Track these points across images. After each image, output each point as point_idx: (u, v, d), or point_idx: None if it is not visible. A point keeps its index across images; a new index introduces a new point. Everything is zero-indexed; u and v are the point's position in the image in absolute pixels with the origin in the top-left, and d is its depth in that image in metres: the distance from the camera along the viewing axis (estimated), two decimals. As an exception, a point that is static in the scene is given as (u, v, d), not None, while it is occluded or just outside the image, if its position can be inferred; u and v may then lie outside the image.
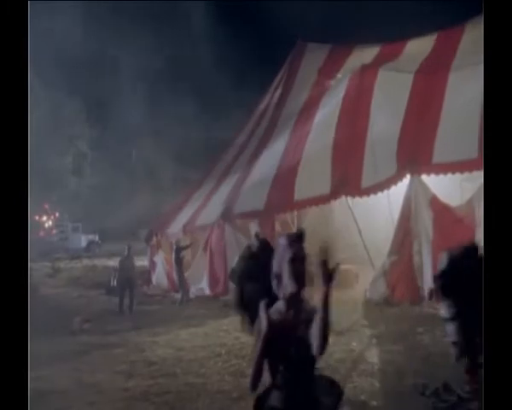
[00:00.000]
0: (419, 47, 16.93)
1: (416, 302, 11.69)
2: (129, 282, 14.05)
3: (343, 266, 13.67)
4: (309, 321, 2.94)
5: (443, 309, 3.04)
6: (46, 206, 29.26)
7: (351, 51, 18.69)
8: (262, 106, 19.77)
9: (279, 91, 19.31)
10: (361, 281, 14.70)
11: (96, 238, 32.73)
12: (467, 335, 2.83)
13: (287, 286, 3.07)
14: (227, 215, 15.15)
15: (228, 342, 9.37)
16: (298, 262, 3.08)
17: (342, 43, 19.67)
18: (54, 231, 30.19)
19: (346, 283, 15.09)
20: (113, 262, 28.54)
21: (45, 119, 17.77)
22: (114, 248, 35.55)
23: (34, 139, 19.24)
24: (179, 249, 14.93)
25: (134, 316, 12.99)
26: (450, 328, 3.13)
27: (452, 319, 2.89)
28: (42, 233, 29.41)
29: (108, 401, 6.59)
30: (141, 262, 24.82)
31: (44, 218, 29.62)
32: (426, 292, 11.75)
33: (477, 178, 11.60)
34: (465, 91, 13.13)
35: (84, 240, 31.87)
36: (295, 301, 3.09)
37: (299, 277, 3.08)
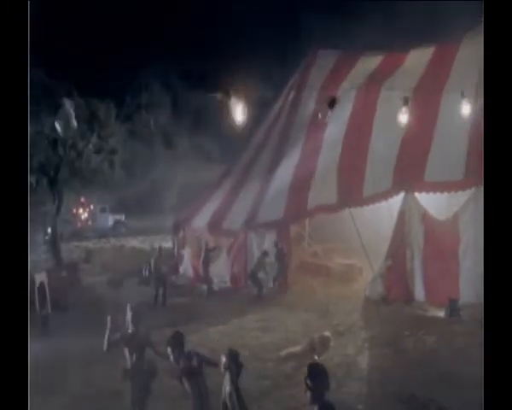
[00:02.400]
0: (419, 59, 18.48)
1: (408, 301, 13.83)
2: (161, 277, 16.24)
3: (348, 261, 16.08)
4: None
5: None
6: (82, 200, 31.77)
7: (357, 59, 20.27)
8: (277, 106, 21.50)
9: (292, 95, 21.00)
10: (365, 275, 16.71)
11: (123, 218, 35.12)
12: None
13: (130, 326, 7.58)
14: (251, 225, 17.26)
15: (250, 342, 11.50)
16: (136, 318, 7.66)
17: (351, 50, 21.26)
18: (89, 223, 32.72)
19: (351, 277, 17.22)
20: (138, 242, 31.01)
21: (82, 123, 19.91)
22: (138, 226, 38.05)
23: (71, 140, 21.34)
24: (208, 251, 17.05)
25: (167, 309, 15.14)
26: None
27: None
28: (79, 224, 32.04)
29: (159, 401, 8.64)
30: (165, 244, 27.20)
31: (81, 210, 32.15)
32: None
33: (463, 193, 13.58)
34: (455, 115, 14.85)
35: (110, 220, 34.34)
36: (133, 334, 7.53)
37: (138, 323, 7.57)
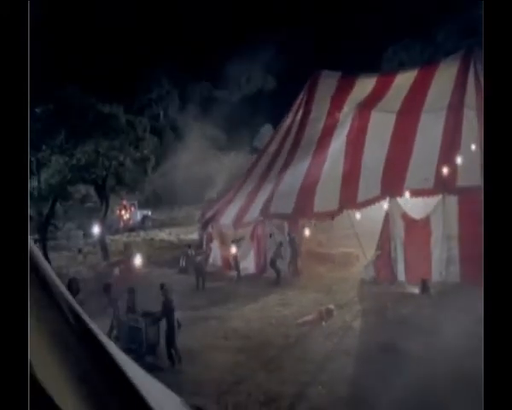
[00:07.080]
0: (404, 81, 22.60)
1: (392, 282, 18.06)
2: (199, 266, 20.47)
3: (346, 250, 21.27)
4: None
5: None
6: (124, 202, 36.03)
7: (355, 81, 24.41)
8: (287, 122, 25.64)
9: (301, 112, 25.10)
10: (360, 260, 20.96)
11: (149, 213, 39.26)
12: None
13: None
14: (264, 213, 21.42)
15: (275, 314, 15.76)
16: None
17: (349, 72, 25.45)
18: (131, 222, 36.97)
19: (349, 262, 21.50)
20: (165, 235, 35.25)
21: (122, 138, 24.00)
22: (161, 217, 42.34)
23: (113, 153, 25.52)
24: (234, 242, 21.28)
25: (207, 292, 19.33)
26: None
27: None
28: (122, 223, 36.30)
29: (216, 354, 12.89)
30: (191, 236, 31.51)
31: (123, 212, 36.39)
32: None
33: (434, 199, 17.73)
34: (429, 134, 19.06)
35: (139, 215, 38.52)
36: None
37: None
